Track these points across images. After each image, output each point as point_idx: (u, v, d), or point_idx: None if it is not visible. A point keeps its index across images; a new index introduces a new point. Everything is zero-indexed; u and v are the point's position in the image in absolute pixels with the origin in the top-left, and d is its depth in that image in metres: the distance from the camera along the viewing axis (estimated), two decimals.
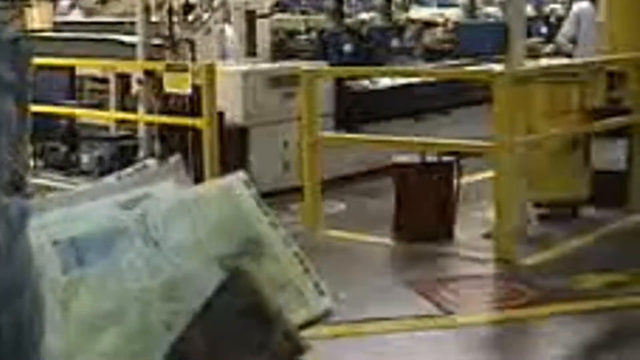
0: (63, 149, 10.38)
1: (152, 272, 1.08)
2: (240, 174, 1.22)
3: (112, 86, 10.11)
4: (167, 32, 9.39)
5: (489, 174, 7.35)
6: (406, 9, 15.16)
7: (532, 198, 7.87)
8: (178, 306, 1.08)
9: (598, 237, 7.43)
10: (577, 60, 10.72)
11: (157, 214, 1.11)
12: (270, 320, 1.10)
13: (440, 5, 17.49)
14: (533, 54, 11.51)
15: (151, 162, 1.23)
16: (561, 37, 11.99)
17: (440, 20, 14.78)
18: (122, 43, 10.42)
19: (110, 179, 1.21)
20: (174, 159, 1.25)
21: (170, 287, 1.08)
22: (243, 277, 1.11)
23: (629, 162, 8.24)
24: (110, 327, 1.06)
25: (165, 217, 1.12)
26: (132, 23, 9.94)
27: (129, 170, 1.23)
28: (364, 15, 14.22)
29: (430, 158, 7.66)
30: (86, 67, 10.53)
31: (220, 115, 8.64)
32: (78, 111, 10.21)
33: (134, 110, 9.58)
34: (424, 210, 7.46)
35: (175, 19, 9.39)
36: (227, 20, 10.16)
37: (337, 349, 5.40)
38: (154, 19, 9.52)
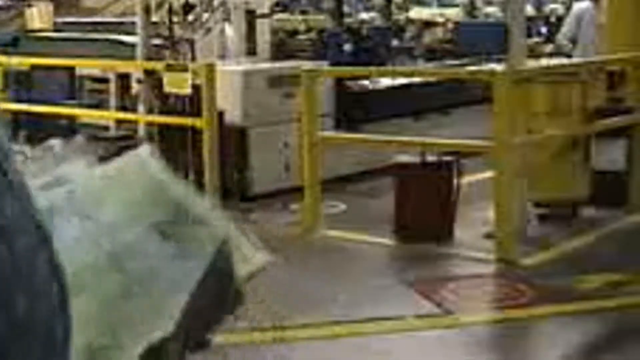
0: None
1: (96, 247, 1.09)
2: (146, 146, 1.24)
3: (112, 86, 10.11)
4: (167, 32, 9.39)
5: (489, 174, 7.35)
6: (406, 9, 15.15)
7: (532, 198, 7.87)
8: (126, 275, 1.09)
9: (598, 237, 7.43)
10: (577, 60, 10.72)
11: (83, 191, 1.11)
12: (233, 277, 1.15)
13: (440, 5, 17.48)
14: (533, 54, 11.51)
15: (55, 142, 1.26)
16: (561, 37, 11.98)
17: (440, 20, 14.78)
18: (122, 43, 10.42)
19: (20, 163, 1.22)
20: (79, 138, 1.28)
21: (117, 258, 1.09)
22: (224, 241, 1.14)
23: (629, 162, 8.24)
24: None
25: (91, 193, 1.13)
26: (132, 23, 9.94)
27: (36, 152, 1.25)
28: (364, 15, 14.22)
29: (430, 158, 7.66)
30: (86, 67, 10.53)
31: (220, 115, 8.64)
32: (78, 111, 10.21)
33: (133, 110, 9.58)
34: (424, 210, 7.46)
35: (175, 18, 9.39)
36: (227, 20, 10.15)
37: (338, 349, 5.40)
38: (154, 19, 9.52)
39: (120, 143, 9.70)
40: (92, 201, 1.13)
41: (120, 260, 1.11)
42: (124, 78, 10.00)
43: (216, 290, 1.15)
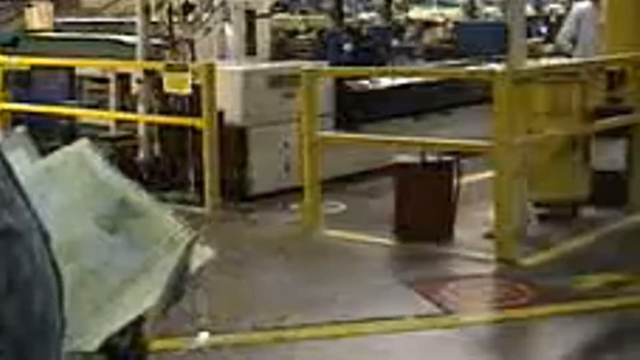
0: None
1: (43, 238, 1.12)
2: (84, 140, 1.24)
3: (112, 86, 10.10)
4: (167, 32, 9.39)
5: (489, 174, 7.35)
6: (406, 9, 15.15)
7: (532, 198, 7.87)
8: (77, 265, 1.11)
9: (598, 237, 7.43)
10: (577, 60, 10.72)
11: (27, 182, 1.13)
12: (186, 277, 1.19)
13: (440, 5, 17.48)
14: (533, 54, 11.51)
15: None
16: (561, 37, 11.98)
17: (440, 20, 14.78)
18: (122, 43, 10.42)
19: None
20: (20, 129, 1.28)
21: (65, 248, 1.09)
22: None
23: (628, 162, 8.24)
24: None
25: (34, 185, 1.12)
26: (132, 23, 9.94)
27: None
28: (364, 15, 14.23)
29: (431, 158, 7.66)
30: (86, 67, 10.52)
31: (220, 115, 8.64)
32: (78, 111, 10.21)
33: (133, 110, 9.57)
34: (424, 210, 7.46)
35: (175, 19, 9.38)
36: (226, 20, 10.15)
37: (338, 349, 5.40)
38: (154, 19, 9.51)
39: (120, 143, 9.71)
40: (37, 194, 1.11)
41: (70, 252, 1.12)
42: (123, 78, 9.99)
43: (175, 283, 1.17)
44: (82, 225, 1.15)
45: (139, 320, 1.14)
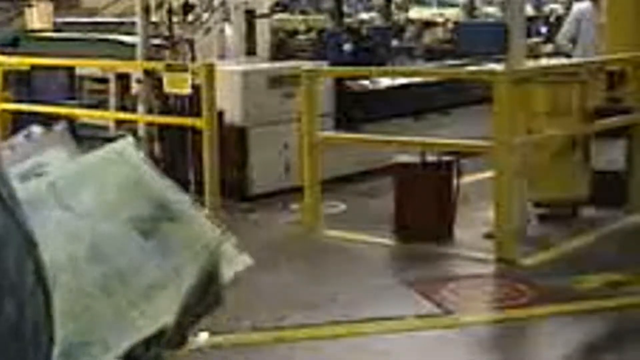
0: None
1: (74, 238, 1.07)
2: (129, 138, 1.20)
3: (112, 86, 10.10)
4: (167, 32, 9.39)
5: (489, 174, 7.35)
6: (406, 9, 15.14)
7: (532, 198, 7.87)
8: (106, 268, 1.07)
9: (598, 237, 7.43)
10: (577, 60, 10.72)
11: (63, 180, 1.09)
12: (216, 284, 1.14)
13: (440, 5, 17.49)
14: (533, 54, 11.51)
15: (36, 129, 1.23)
16: (561, 37, 11.98)
17: (440, 20, 14.78)
18: (122, 43, 10.42)
19: (4, 149, 1.19)
20: (60, 126, 1.22)
21: (94, 250, 1.07)
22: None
23: (628, 162, 8.24)
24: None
25: (71, 183, 1.11)
26: (132, 23, 9.94)
27: (19, 139, 1.22)
28: (364, 15, 14.23)
29: (430, 158, 7.66)
30: (86, 67, 10.53)
31: (220, 115, 8.64)
32: (78, 111, 10.21)
33: (133, 110, 9.57)
34: (424, 210, 7.46)
35: (175, 19, 9.38)
36: (226, 20, 10.15)
37: (338, 349, 5.40)
38: (153, 19, 9.51)
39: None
40: (72, 192, 1.11)
41: (100, 254, 1.08)
42: (123, 78, 9.99)
43: (201, 292, 1.13)
44: (114, 227, 1.11)
45: (162, 332, 1.09)
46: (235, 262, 1.18)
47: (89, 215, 1.10)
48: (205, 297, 1.14)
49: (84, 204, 1.11)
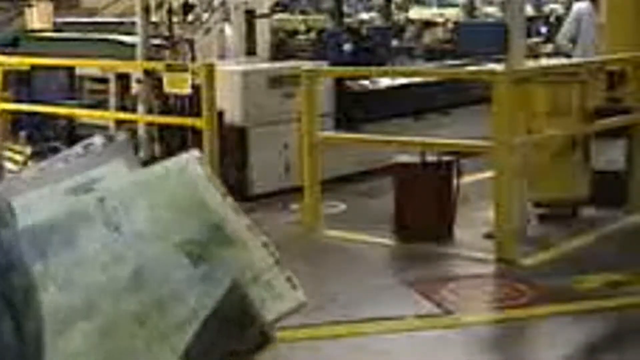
0: (63, 149, 10.37)
1: (117, 260, 1.02)
2: (194, 152, 1.13)
3: (112, 86, 10.10)
4: (167, 32, 9.39)
5: (489, 174, 7.35)
6: (406, 9, 15.12)
7: (532, 198, 7.87)
8: (146, 295, 1.02)
9: (598, 237, 7.43)
10: (577, 60, 10.72)
11: (115, 197, 1.04)
12: (251, 321, 1.05)
13: (440, 5, 17.47)
14: (533, 54, 11.51)
15: (98, 139, 1.16)
16: (561, 38, 11.98)
17: (440, 20, 14.76)
18: (122, 43, 10.42)
19: (58, 161, 1.13)
20: (121, 137, 1.17)
21: (137, 275, 1.02)
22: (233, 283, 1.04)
23: (628, 162, 8.24)
24: (82, 322, 0.98)
25: (123, 200, 1.05)
26: (132, 23, 9.94)
27: (77, 150, 1.14)
28: (364, 15, 14.21)
29: (430, 158, 7.66)
30: (86, 67, 10.53)
31: (220, 115, 8.64)
32: (78, 111, 10.21)
33: (133, 110, 9.57)
34: (424, 210, 7.46)
35: (175, 19, 9.38)
36: (226, 20, 10.15)
37: (338, 349, 5.40)
38: (153, 19, 9.51)
39: None
40: (123, 210, 1.05)
41: (142, 280, 1.02)
42: (123, 78, 9.99)
43: (229, 329, 1.04)
44: (163, 251, 1.04)
45: None
46: (286, 298, 1.10)
47: (137, 236, 1.04)
48: (241, 335, 1.05)
49: (133, 224, 1.05)
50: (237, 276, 1.07)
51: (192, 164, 1.11)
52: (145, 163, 1.15)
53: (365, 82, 10.45)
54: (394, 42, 12.72)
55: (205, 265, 1.05)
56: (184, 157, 1.12)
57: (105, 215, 1.05)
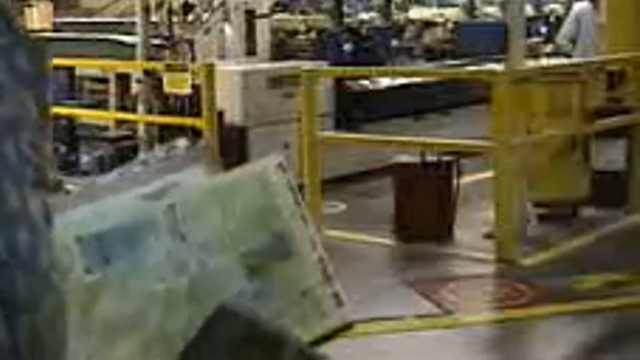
0: (62, 149, 10.38)
1: (177, 271, 1.01)
2: (277, 157, 1.13)
3: (111, 86, 10.11)
4: (167, 32, 9.39)
5: (489, 174, 7.35)
6: (406, 9, 15.13)
7: (532, 198, 7.87)
8: (198, 309, 1.00)
9: (598, 237, 7.43)
10: (577, 60, 10.72)
11: (186, 205, 1.03)
12: (276, 345, 1.01)
13: (440, 5, 17.47)
14: (533, 54, 11.51)
15: (181, 143, 1.14)
16: (561, 37, 11.99)
17: (440, 20, 14.77)
18: (122, 43, 10.42)
19: (136, 165, 1.12)
20: (203, 142, 1.16)
21: (193, 288, 1.00)
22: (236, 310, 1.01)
23: (628, 162, 8.24)
24: (129, 332, 0.98)
25: (194, 208, 1.04)
26: (132, 23, 9.94)
27: (157, 153, 1.11)
28: (364, 15, 14.21)
29: (430, 158, 7.66)
30: (86, 67, 10.53)
31: (220, 115, 8.64)
32: (78, 111, 10.21)
33: (133, 110, 9.58)
34: (424, 210, 7.45)
35: (175, 18, 9.38)
36: (226, 20, 10.15)
37: (338, 349, 5.40)
38: (153, 19, 9.52)
39: (119, 143, 9.71)
40: (192, 218, 1.03)
41: (197, 293, 1.00)
42: (123, 78, 9.99)
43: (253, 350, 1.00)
44: (224, 262, 1.01)
45: None
46: (330, 317, 1.07)
47: (202, 246, 1.02)
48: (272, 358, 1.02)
49: (200, 233, 1.03)
50: (306, 289, 1.04)
51: (269, 169, 1.11)
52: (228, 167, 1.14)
53: (365, 82, 10.45)
54: (394, 42, 12.73)
55: (261, 279, 1.03)
56: (263, 162, 1.12)
57: (173, 224, 1.03)
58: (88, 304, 0.98)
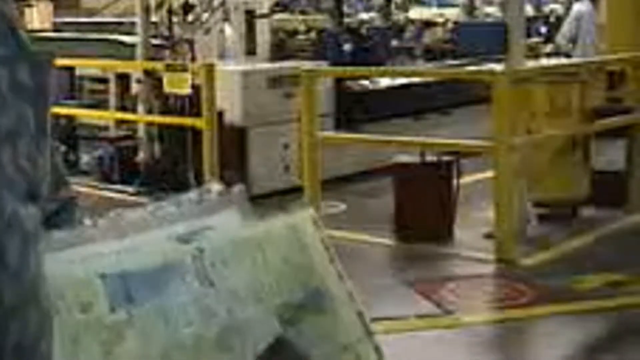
0: (62, 149, 10.38)
1: (205, 317, 0.98)
2: (311, 211, 1.09)
3: (111, 86, 10.10)
4: (166, 32, 9.39)
5: (489, 174, 7.35)
6: (406, 9, 15.12)
7: (532, 198, 7.87)
8: (229, 357, 0.98)
9: (598, 237, 7.42)
10: (577, 60, 10.72)
11: (216, 251, 1.01)
12: None
13: (440, 5, 17.47)
14: (533, 54, 11.51)
15: (215, 187, 1.09)
16: (561, 37, 11.99)
17: (440, 20, 14.76)
18: (122, 43, 10.42)
19: (169, 205, 1.10)
20: (238, 187, 1.11)
21: (224, 335, 0.98)
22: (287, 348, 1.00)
23: (628, 162, 8.24)
24: None
25: (224, 255, 1.01)
26: (132, 23, 9.94)
27: (190, 195, 1.09)
28: (364, 15, 14.21)
29: (430, 158, 7.66)
30: (86, 67, 10.52)
31: (220, 115, 8.64)
32: (78, 111, 10.21)
33: (133, 110, 9.57)
34: (424, 210, 7.45)
35: (175, 18, 9.38)
36: (226, 20, 10.15)
37: None
38: (153, 19, 9.51)
39: (119, 143, 9.71)
40: (222, 265, 1.01)
41: (228, 341, 0.98)
42: (123, 78, 9.99)
43: None
44: (255, 313, 1.00)
45: None
46: None
47: (231, 295, 1.00)
48: None
49: (229, 281, 1.01)
50: (348, 345, 1.04)
51: (305, 224, 1.08)
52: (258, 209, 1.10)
53: (365, 82, 10.45)
54: (394, 42, 12.72)
55: (295, 330, 1.02)
56: (298, 214, 1.09)
57: (202, 269, 1.01)
58: (111, 344, 0.96)
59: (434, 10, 16.71)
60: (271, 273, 1.02)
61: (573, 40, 11.63)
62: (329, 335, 1.03)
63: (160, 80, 8.94)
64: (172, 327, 0.96)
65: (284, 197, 8.54)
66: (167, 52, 9.28)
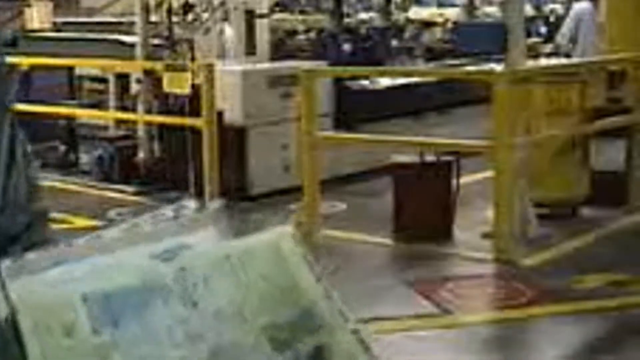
0: (62, 148, 10.38)
1: (191, 339, 0.96)
2: (288, 228, 1.07)
3: (111, 86, 10.10)
4: (166, 32, 9.39)
5: (489, 174, 7.35)
6: (406, 9, 15.13)
7: (532, 198, 7.86)
8: None
9: (598, 237, 7.42)
10: (577, 60, 10.72)
11: (198, 270, 0.98)
12: None
13: (440, 5, 17.47)
14: (533, 54, 11.50)
15: (190, 204, 1.05)
16: (561, 37, 11.98)
17: (439, 20, 14.77)
18: (121, 43, 10.41)
19: (144, 222, 1.07)
20: (216, 203, 1.07)
21: (215, 357, 0.95)
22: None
23: (628, 162, 8.24)
24: None
25: (206, 274, 0.98)
26: (132, 23, 9.93)
27: (166, 212, 1.05)
28: (364, 15, 14.21)
29: (430, 158, 7.65)
30: (86, 67, 10.52)
31: (220, 115, 8.63)
32: (77, 111, 10.21)
33: (133, 110, 9.57)
34: (423, 210, 7.45)
35: (174, 18, 9.38)
36: (226, 20, 10.14)
37: None
38: (153, 18, 9.51)
39: (119, 143, 9.71)
40: (204, 285, 0.98)
41: None
42: (123, 78, 9.99)
43: None
44: (244, 334, 0.97)
45: None
46: None
47: (216, 315, 0.97)
48: None
49: (213, 301, 0.98)
50: None
51: (286, 241, 1.05)
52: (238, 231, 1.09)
53: (365, 82, 10.45)
54: (394, 42, 12.72)
55: (288, 352, 0.98)
56: (277, 231, 1.05)
57: (184, 289, 0.98)
58: None
59: (434, 10, 16.71)
60: (255, 292, 0.99)
61: (573, 40, 11.63)
62: (327, 353, 1.01)
63: (159, 80, 8.93)
64: (159, 349, 0.94)
65: (283, 197, 8.55)
66: (166, 52, 9.28)
